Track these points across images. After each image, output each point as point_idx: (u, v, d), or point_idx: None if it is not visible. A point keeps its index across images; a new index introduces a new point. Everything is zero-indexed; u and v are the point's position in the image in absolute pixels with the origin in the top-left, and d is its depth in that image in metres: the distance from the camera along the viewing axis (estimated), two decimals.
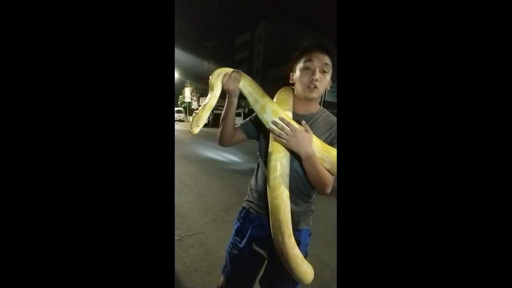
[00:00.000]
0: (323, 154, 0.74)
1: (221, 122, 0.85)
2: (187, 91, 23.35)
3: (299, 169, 0.78)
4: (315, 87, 0.76)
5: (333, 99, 13.04)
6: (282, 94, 0.84)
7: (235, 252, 0.90)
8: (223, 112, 0.84)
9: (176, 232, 2.07)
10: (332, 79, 0.79)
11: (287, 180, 0.77)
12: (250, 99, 0.77)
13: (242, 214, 0.92)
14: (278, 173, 0.76)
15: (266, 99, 0.75)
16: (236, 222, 0.93)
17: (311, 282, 0.82)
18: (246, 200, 0.92)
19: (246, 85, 0.77)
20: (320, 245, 2.06)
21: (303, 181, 0.81)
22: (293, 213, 0.78)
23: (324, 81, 0.77)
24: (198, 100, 23.48)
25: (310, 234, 0.88)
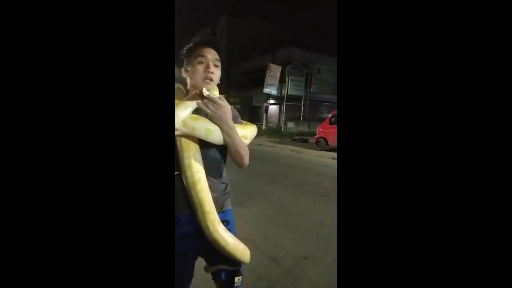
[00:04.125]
0: (244, 130, 0.87)
1: None
2: None
3: (216, 155, 0.87)
4: (211, 79, 0.83)
5: (296, 92, 13.44)
6: (176, 94, 0.87)
7: None
8: None
9: None
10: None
11: (204, 171, 0.82)
12: None
13: None
14: (194, 168, 0.80)
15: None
16: None
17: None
18: None
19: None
20: (283, 233, 2.13)
21: (219, 166, 0.89)
22: (216, 199, 0.84)
23: (217, 74, 0.85)
24: None
25: (232, 213, 0.95)
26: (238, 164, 0.86)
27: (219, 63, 0.85)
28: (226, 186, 0.93)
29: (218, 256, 0.87)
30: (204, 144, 0.82)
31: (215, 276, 0.91)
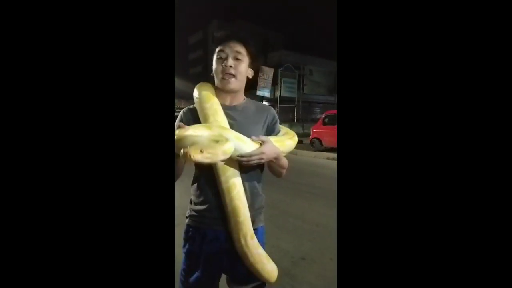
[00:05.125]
0: (283, 147, 0.80)
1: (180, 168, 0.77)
2: None
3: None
4: (230, 74, 0.76)
5: (289, 94, 13.53)
6: (203, 88, 0.81)
7: (191, 278, 0.81)
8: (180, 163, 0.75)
9: None
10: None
11: (239, 178, 0.75)
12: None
13: (190, 233, 0.82)
14: (229, 172, 0.73)
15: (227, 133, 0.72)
16: (185, 245, 0.83)
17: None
18: (189, 216, 0.84)
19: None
20: (279, 234, 2.14)
21: (252, 175, 0.81)
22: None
23: (239, 68, 0.76)
24: None
25: (264, 231, 0.88)
26: (276, 175, 0.84)
27: (243, 57, 0.76)
28: (262, 199, 0.85)
29: (241, 276, 0.81)
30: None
31: None
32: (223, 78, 0.76)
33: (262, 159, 0.72)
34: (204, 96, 0.78)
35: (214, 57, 0.78)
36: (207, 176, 0.78)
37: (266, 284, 0.83)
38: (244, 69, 0.78)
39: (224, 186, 0.73)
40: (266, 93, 12.16)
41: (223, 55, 0.76)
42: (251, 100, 0.86)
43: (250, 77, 0.82)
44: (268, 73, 11.91)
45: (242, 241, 0.74)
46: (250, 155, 0.70)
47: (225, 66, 0.75)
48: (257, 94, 11.89)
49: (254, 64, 0.82)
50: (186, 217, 0.83)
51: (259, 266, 0.76)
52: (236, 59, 0.76)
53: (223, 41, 0.77)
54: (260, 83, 11.78)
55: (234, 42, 0.76)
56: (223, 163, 0.72)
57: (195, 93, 0.81)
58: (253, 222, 0.78)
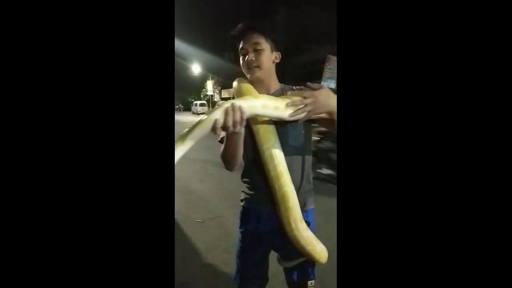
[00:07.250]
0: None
1: (233, 154, 0.79)
2: (209, 84, 23.87)
3: (296, 145, 0.81)
4: (255, 66, 0.79)
5: None
6: (241, 81, 0.85)
7: (247, 255, 0.88)
8: (232, 145, 0.78)
9: (197, 216, 2.23)
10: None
11: (285, 164, 0.78)
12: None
13: (246, 215, 0.90)
14: (276, 160, 0.76)
15: (262, 99, 0.72)
16: (241, 225, 0.91)
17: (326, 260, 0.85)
18: (244, 200, 0.91)
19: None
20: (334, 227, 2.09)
21: (300, 158, 0.83)
22: (298, 195, 0.80)
23: (261, 58, 0.79)
24: (220, 93, 23.90)
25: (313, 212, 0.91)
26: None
27: (261, 46, 0.78)
28: (311, 182, 0.90)
29: (291, 253, 0.85)
30: (282, 134, 0.79)
31: (288, 275, 0.88)
32: (249, 69, 0.79)
33: (314, 106, 0.67)
34: (242, 87, 0.83)
35: (238, 53, 0.82)
36: (256, 164, 0.82)
37: (315, 264, 0.86)
38: (266, 58, 0.79)
39: (272, 174, 0.77)
40: (332, 84, 11.55)
41: (244, 51, 0.79)
42: (288, 85, 0.87)
43: (278, 61, 0.82)
44: (334, 62, 11.26)
45: (293, 225, 0.78)
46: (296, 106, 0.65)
47: (248, 61, 0.78)
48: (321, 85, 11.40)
49: (279, 47, 0.82)
50: (241, 201, 0.91)
51: (310, 248, 0.81)
52: (256, 50, 0.78)
53: (240, 37, 0.80)
54: (326, 73, 11.22)
55: (250, 35, 0.78)
56: (269, 151, 0.75)
57: (234, 85, 0.87)
58: (303, 206, 0.83)
